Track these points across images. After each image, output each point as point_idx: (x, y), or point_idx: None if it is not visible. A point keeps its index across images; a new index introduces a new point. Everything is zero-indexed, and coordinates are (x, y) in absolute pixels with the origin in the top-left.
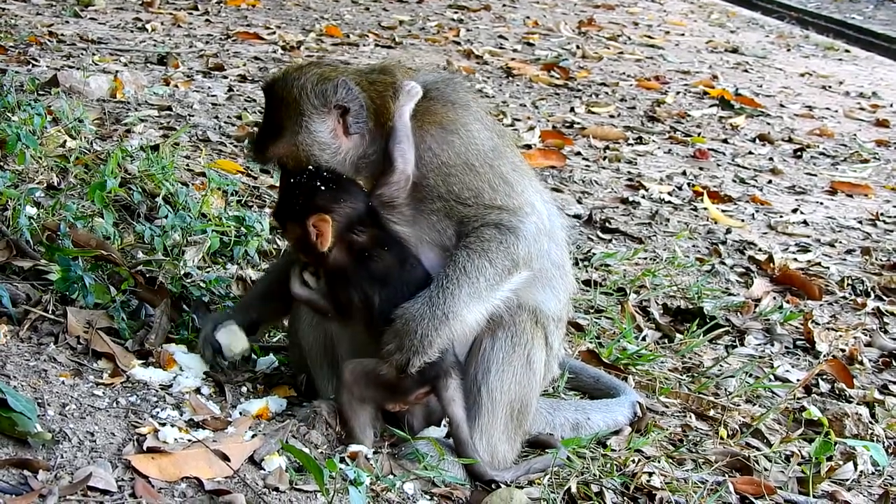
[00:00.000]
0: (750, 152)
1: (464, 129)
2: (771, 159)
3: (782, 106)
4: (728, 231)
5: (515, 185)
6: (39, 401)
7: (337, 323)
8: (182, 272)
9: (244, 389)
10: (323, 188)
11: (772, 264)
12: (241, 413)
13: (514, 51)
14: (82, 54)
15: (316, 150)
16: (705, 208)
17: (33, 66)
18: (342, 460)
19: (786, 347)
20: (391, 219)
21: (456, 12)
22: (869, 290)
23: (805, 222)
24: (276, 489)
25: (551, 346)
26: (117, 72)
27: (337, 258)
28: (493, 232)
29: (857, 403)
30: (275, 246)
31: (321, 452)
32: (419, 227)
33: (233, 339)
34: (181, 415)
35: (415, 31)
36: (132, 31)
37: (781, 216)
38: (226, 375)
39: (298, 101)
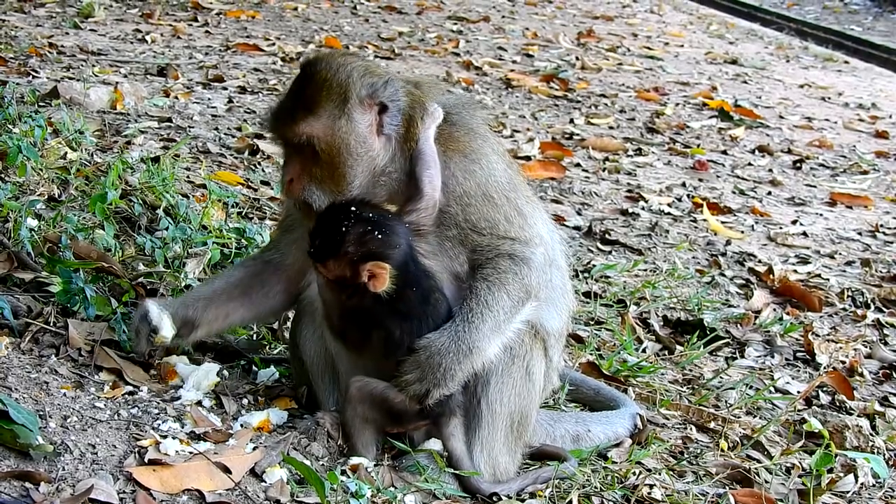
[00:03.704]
0: (749, 163)
1: (485, 160)
2: (770, 170)
3: (782, 117)
4: (728, 242)
5: (528, 217)
6: (41, 413)
7: (343, 349)
8: (183, 284)
9: (245, 401)
10: (378, 231)
11: (772, 276)
12: (242, 425)
13: (514, 62)
14: (82, 66)
15: (353, 140)
16: (705, 220)
17: (33, 77)
18: (343, 472)
19: (786, 359)
20: (417, 250)
21: (455, 24)
22: (869, 301)
23: (805, 234)
24: (278, 501)
25: (551, 359)
26: (117, 83)
27: (365, 294)
28: (507, 263)
29: (858, 415)
30: None
31: (322, 465)
32: (437, 255)
33: (163, 324)
34: (182, 427)
35: (414, 42)
36: (132, 43)
37: (781, 227)
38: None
39: (345, 85)
